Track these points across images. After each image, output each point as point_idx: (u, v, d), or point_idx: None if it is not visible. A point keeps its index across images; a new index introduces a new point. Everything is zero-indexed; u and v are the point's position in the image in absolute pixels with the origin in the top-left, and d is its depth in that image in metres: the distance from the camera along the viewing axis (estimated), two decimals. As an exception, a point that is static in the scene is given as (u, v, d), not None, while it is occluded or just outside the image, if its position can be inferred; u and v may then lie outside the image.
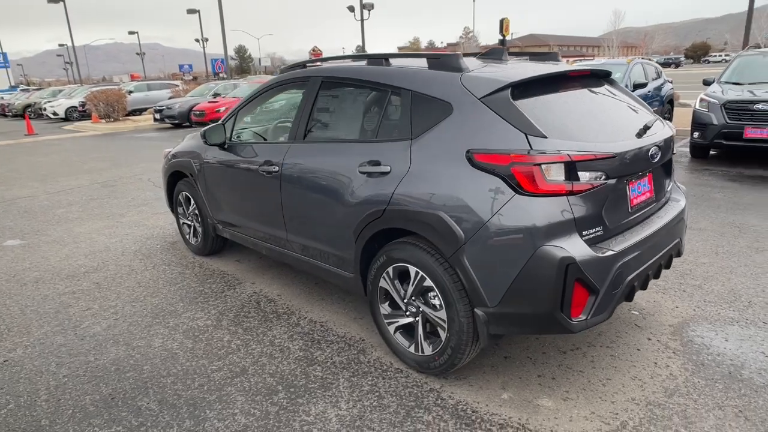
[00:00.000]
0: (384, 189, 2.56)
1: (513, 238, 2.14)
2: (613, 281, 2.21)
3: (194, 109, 16.03)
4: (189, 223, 4.65)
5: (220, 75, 35.88)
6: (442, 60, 2.60)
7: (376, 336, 3.07)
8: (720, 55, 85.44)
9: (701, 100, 7.44)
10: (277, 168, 3.27)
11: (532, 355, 2.78)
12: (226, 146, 3.81)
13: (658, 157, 2.54)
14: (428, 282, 2.46)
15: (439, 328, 2.50)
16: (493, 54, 2.97)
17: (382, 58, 2.91)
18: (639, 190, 2.50)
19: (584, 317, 2.18)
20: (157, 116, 17.44)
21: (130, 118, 21.21)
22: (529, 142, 2.16)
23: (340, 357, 2.88)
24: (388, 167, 2.58)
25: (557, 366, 2.70)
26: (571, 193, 2.14)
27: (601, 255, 2.16)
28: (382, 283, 2.73)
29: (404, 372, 2.71)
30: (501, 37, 22.86)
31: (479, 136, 2.29)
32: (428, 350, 2.58)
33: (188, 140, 4.50)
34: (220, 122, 3.94)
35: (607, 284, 2.19)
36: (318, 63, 3.44)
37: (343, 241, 2.90)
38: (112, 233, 5.48)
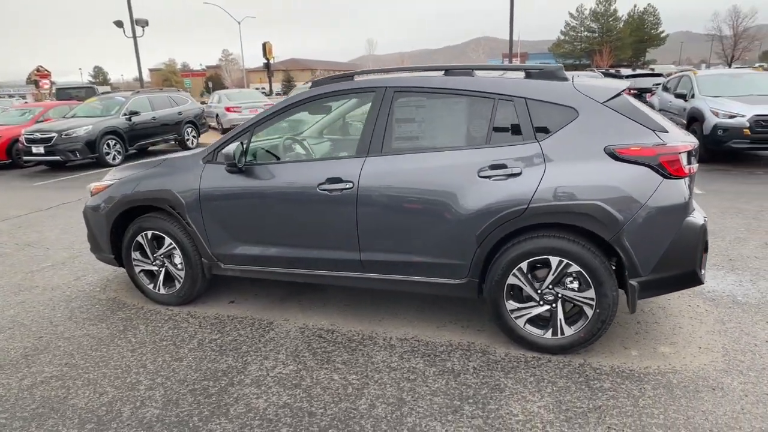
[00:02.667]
0: (520, 189, 2.74)
1: (667, 214, 2.60)
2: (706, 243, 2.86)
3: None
4: (155, 269, 3.82)
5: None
6: (545, 72, 2.93)
7: (476, 336, 3.17)
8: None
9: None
10: (350, 185, 3.07)
11: (617, 320, 3.28)
12: (242, 168, 3.32)
13: None
14: (574, 267, 2.74)
15: (585, 308, 2.79)
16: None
17: (469, 70, 3.07)
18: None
19: (704, 271, 2.78)
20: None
21: None
22: (659, 137, 2.66)
23: (474, 362, 2.91)
24: (518, 168, 2.77)
25: (637, 323, 3.26)
26: (689, 174, 2.71)
27: (706, 221, 2.79)
28: (511, 280, 2.88)
29: (545, 357, 2.90)
30: (265, 61, 23.48)
31: (612, 134, 2.69)
32: (569, 331, 2.85)
33: (156, 167, 3.72)
34: (228, 139, 3.43)
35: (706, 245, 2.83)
36: (370, 74, 3.35)
37: (457, 248, 2.93)
38: (16, 303, 4.06)
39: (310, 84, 3.80)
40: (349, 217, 3.12)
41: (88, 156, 10.93)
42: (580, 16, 69.56)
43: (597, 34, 67.71)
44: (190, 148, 13.83)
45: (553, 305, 2.86)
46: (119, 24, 22.33)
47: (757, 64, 42.53)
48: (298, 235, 3.31)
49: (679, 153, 2.63)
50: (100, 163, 11.08)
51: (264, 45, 23.26)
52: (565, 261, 2.75)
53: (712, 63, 66.06)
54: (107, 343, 3.33)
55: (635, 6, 70.74)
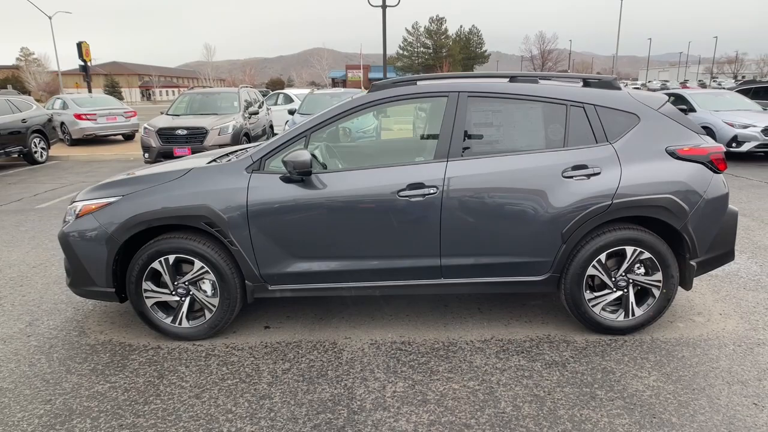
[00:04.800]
0: (603, 187, 3.01)
1: (718, 203, 3.09)
2: None
3: None
4: (175, 299, 3.26)
5: None
6: (603, 81, 3.25)
7: (545, 328, 3.36)
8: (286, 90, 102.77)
9: (145, 128, 9.89)
10: (434, 190, 3.03)
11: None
12: (302, 178, 3.05)
13: None
14: (645, 255, 3.09)
15: (653, 289, 3.16)
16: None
17: (534, 78, 3.25)
18: None
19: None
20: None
21: None
22: (702, 138, 3.15)
23: (566, 352, 3.08)
24: (598, 168, 3.04)
25: (659, 300, 3.76)
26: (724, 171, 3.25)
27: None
28: (591, 272, 3.13)
29: (620, 339, 3.21)
30: (82, 63, 21.14)
31: (669, 136, 3.11)
32: (639, 312, 3.19)
33: (179, 180, 3.18)
34: (279, 146, 3.12)
35: None
36: (436, 79, 3.31)
37: (543, 246, 3.09)
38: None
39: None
40: (432, 223, 3.07)
41: None
42: (416, 32, 75.19)
43: (431, 50, 73.84)
44: (39, 162, 11.70)
45: (625, 290, 3.18)
46: None
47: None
48: (371, 245, 3.14)
49: (723, 152, 3.15)
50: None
51: (79, 45, 20.55)
52: (639, 249, 3.08)
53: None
54: (153, 393, 2.76)
55: (461, 26, 78.81)
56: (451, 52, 73.67)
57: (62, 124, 15.49)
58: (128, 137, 16.59)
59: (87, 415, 2.57)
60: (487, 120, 3.22)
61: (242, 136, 10.20)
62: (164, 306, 3.31)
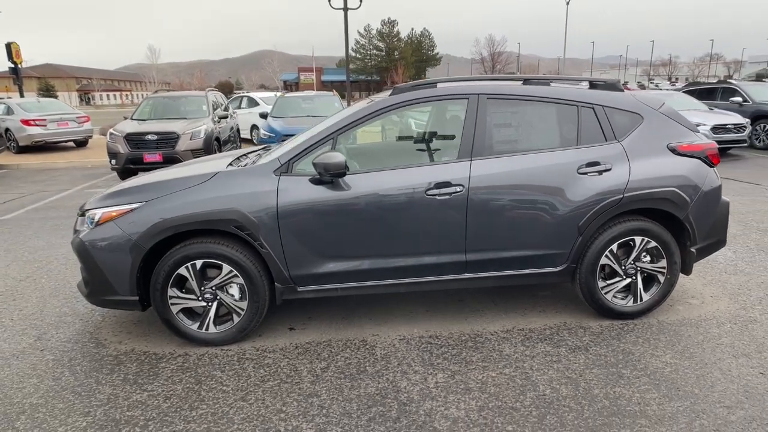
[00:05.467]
0: (615, 182, 3.24)
1: (714, 195, 3.39)
2: None
3: None
4: (201, 305, 3.24)
5: None
6: (607, 84, 3.50)
7: (559, 316, 3.57)
8: (242, 92, 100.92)
9: (110, 134, 9.41)
10: (460, 188, 3.17)
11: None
12: (331, 179, 3.12)
13: None
14: (652, 244, 3.35)
15: (658, 275, 3.43)
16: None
17: (546, 80, 3.45)
18: None
19: None
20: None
21: None
22: (696, 136, 3.45)
23: (585, 337, 3.29)
24: (609, 165, 3.27)
25: (654, 286, 4.06)
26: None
27: None
28: (603, 261, 3.36)
29: (631, 323, 3.45)
30: (12, 65, 20.15)
31: (669, 134, 3.39)
32: (646, 297, 3.45)
33: (205, 183, 3.17)
34: (305, 149, 3.17)
35: None
36: (454, 81, 3.45)
37: (561, 239, 3.29)
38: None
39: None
40: (458, 220, 3.21)
41: None
42: (368, 35, 75.53)
43: (384, 53, 74.39)
44: (-11, 171, 11.02)
45: (634, 277, 3.43)
46: None
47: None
48: (399, 244, 3.23)
49: (716, 148, 3.45)
50: None
51: (8, 46, 19.42)
52: (646, 239, 3.34)
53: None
54: (197, 398, 2.75)
55: (412, 29, 79.83)
56: (404, 55, 74.52)
57: (7, 130, 14.61)
58: (81, 144, 15.82)
59: (135, 424, 2.54)
60: (505, 121, 3.39)
61: (213, 141, 10.01)
62: (189, 312, 3.28)
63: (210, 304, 3.25)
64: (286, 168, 3.20)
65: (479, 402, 2.65)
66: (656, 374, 2.85)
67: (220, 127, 10.74)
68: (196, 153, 9.44)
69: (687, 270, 3.50)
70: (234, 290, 3.26)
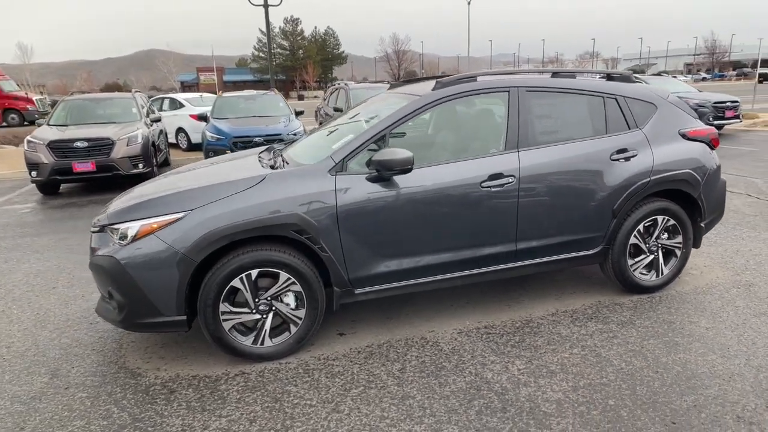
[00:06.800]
0: (642, 167, 3.51)
1: (717, 174, 3.79)
2: None
3: None
4: (256, 317, 3.03)
5: None
6: (623, 76, 3.76)
7: (591, 297, 3.79)
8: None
9: (28, 142, 8.33)
10: (512, 179, 3.25)
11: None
12: (390, 176, 3.06)
13: None
14: (671, 222, 3.67)
15: (676, 250, 3.76)
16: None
17: (572, 73, 3.64)
18: None
19: None
20: None
21: None
22: (698, 122, 3.83)
23: (625, 312, 3.53)
24: (635, 151, 3.53)
25: (653, 261, 4.45)
26: None
27: None
28: (633, 240, 3.62)
29: (655, 295, 3.75)
30: None
31: (678, 121, 3.73)
32: (666, 271, 3.78)
33: (256, 187, 2.95)
34: (359, 146, 3.09)
35: None
36: (492, 75, 3.50)
37: (598, 223, 3.49)
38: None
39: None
40: (510, 210, 3.29)
41: None
42: (271, 33, 73.61)
43: (288, 51, 72.96)
44: None
45: (656, 254, 3.73)
46: None
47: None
48: (456, 237, 3.25)
49: (716, 132, 3.85)
50: None
51: None
52: (667, 217, 3.65)
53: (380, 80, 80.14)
54: (287, 416, 2.57)
55: (316, 27, 79.14)
56: (309, 54, 73.62)
57: None
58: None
59: (235, 453, 2.31)
60: (543, 112, 3.51)
61: (151, 147, 9.24)
62: (241, 327, 3.04)
63: (265, 316, 3.04)
64: (341, 167, 3.07)
65: (569, 383, 2.75)
66: (704, 338, 3.14)
67: (153, 132, 9.94)
68: (133, 160, 8.68)
69: (697, 243, 3.88)
70: (290, 299, 3.07)
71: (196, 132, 13.37)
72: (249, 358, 3.06)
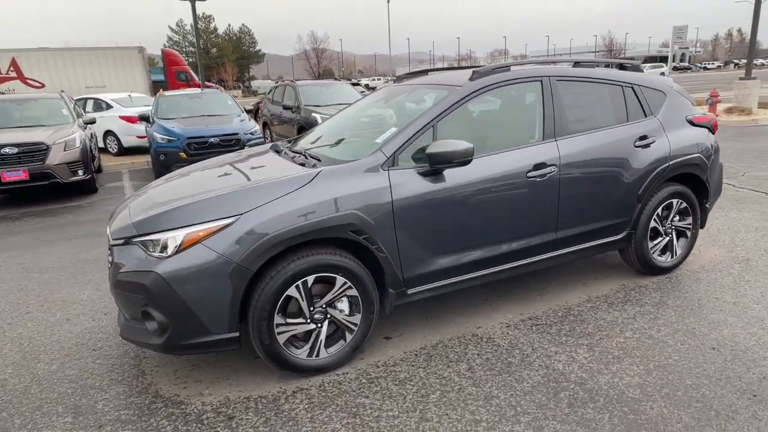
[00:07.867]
0: (660, 152, 3.65)
1: (717, 157, 4.04)
2: None
3: None
4: (311, 327, 2.79)
5: None
6: (633, 65, 3.89)
7: (614, 281, 3.90)
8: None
9: None
10: (553, 168, 3.26)
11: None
12: (437, 168, 2.95)
13: None
14: (683, 205, 3.87)
15: (687, 231, 3.97)
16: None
17: (592, 62, 3.71)
18: None
19: None
20: None
21: None
22: (700, 109, 4.06)
23: (652, 295, 3.66)
24: (654, 138, 3.67)
25: (651, 243, 4.67)
26: None
27: None
28: (652, 224, 3.77)
29: (672, 275, 3.92)
30: None
31: (683, 108, 3.92)
32: (679, 251, 3.98)
33: (308, 185, 2.71)
34: (408, 139, 2.94)
35: None
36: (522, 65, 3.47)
37: (626, 208, 3.60)
38: None
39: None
40: (553, 200, 3.29)
41: None
42: (182, 30, 69.87)
43: (202, 49, 69.60)
44: None
45: (670, 236, 3.91)
46: None
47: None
48: (505, 229, 3.20)
49: (716, 119, 4.10)
50: None
51: None
52: (680, 200, 3.84)
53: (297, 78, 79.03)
54: (375, 430, 2.38)
55: (230, 25, 76.19)
56: (224, 52, 70.74)
57: None
58: None
59: (339, 479, 2.10)
60: (572, 101, 3.54)
61: (89, 151, 8.36)
62: (294, 339, 2.79)
63: (320, 325, 2.80)
64: (392, 161, 2.90)
65: (640, 366, 2.79)
66: (734, 312, 3.32)
67: (88, 135, 9.01)
68: (72, 166, 7.81)
69: (703, 224, 4.11)
70: (344, 305, 2.86)
71: (128, 135, 12.37)
72: (305, 373, 2.81)
